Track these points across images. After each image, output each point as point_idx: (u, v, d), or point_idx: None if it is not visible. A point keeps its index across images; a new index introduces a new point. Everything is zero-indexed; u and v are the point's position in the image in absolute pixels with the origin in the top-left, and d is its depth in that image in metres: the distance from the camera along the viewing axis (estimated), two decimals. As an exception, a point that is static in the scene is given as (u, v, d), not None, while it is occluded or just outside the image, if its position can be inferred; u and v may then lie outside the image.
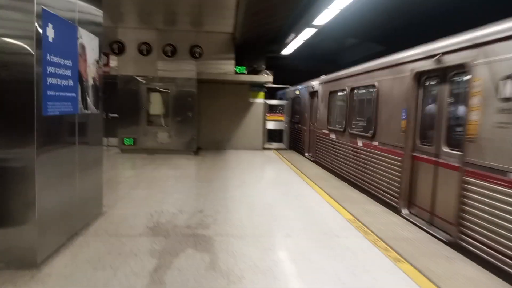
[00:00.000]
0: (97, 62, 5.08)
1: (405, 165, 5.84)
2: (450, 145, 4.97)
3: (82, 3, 4.38)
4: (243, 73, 12.10)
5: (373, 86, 7.15)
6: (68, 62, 4.02)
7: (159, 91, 11.60)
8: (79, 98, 4.36)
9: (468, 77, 4.45)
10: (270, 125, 13.77)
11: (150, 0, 8.94)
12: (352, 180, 7.96)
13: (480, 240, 4.07)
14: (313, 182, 7.79)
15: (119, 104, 11.50)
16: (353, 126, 8.34)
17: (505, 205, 3.76)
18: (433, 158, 5.26)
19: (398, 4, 11.72)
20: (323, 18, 8.37)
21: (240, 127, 13.40)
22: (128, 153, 11.47)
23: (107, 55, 11.38)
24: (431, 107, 5.52)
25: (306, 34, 9.69)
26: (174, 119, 11.62)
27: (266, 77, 12.09)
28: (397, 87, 6.27)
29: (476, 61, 4.29)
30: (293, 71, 17.75)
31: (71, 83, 4.11)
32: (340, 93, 9.35)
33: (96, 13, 5.04)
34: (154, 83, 11.53)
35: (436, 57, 5.06)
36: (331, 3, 7.51)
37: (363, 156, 7.49)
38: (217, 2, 8.56)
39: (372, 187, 7.03)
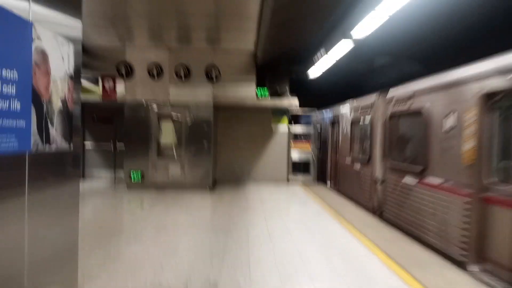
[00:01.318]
0: (71, 77, 3.64)
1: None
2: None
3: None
4: (265, 98, 10.65)
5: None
6: (11, 74, 2.59)
7: (171, 119, 10.24)
8: (34, 128, 2.91)
9: None
10: (295, 155, 12.20)
11: (161, 12, 7.71)
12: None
13: None
14: (357, 230, 6.10)
15: (126, 133, 10.18)
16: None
17: None
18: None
19: (444, 14, 10.22)
20: (364, 28, 6.90)
21: (262, 157, 11.89)
22: (135, 189, 10.03)
23: (113, 78, 10.18)
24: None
25: (339, 49, 8.22)
26: (187, 149, 10.19)
27: (291, 101, 10.61)
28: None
29: None
30: (315, 96, 16.27)
31: (16, 106, 2.66)
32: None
33: (69, 8, 3.61)
34: (166, 109, 10.20)
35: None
36: (374, 8, 6.04)
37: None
38: (236, 10, 7.24)
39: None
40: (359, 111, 8.90)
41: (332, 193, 10.20)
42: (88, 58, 10.29)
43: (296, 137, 12.13)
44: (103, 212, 7.45)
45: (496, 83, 4.30)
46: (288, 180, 11.94)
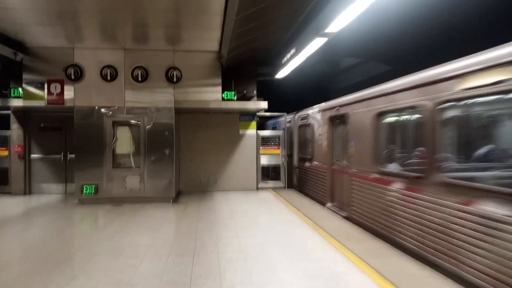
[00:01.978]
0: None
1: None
2: None
3: None
4: (232, 100, 9.93)
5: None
6: None
7: (128, 125, 9.29)
8: None
9: None
10: (264, 160, 11.54)
11: (114, 8, 6.82)
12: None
13: None
14: (353, 253, 5.50)
15: (76, 142, 9.12)
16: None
17: None
18: None
19: (412, 15, 9.96)
20: (338, 23, 6.34)
21: (229, 164, 11.14)
22: (88, 204, 8.98)
23: (61, 82, 9.10)
24: None
25: (312, 47, 7.64)
26: (147, 158, 9.27)
27: (261, 104, 9.94)
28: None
29: None
30: (282, 99, 15.73)
31: None
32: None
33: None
34: (121, 115, 9.22)
35: None
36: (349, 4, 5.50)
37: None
38: (198, 4, 6.49)
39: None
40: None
41: (305, 200, 9.62)
42: (33, 61, 9.16)
43: (264, 141, 11.46)
44: (47, 235, 6.42)
45: (333, 113, 8.37)
46: (257, 187, 11.26)
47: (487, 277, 3.69)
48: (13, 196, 10.15)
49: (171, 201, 9.30)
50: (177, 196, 10.01)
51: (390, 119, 6.49)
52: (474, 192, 4.01)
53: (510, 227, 3.45)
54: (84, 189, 8.96)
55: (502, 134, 4.63)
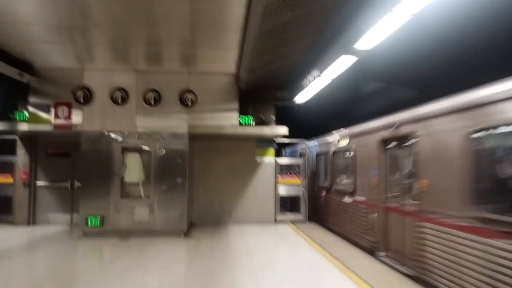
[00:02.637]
0: None
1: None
2: None
3: None
4: (249, 125, 9.26)
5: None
6: None
7: (138, 151, 8.66)
8: None
9: None
10: (283, 191, 10.71)
11: (126, 25, 6.33)
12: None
13: None
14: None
15: (83, 169, 8.51)
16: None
17: None
18: None
19: (442, 37, 9.27)
20: (370, 39, 5.68)
21: (245, 194, 10.34)
22: (93, 237, 8.25)
23: (68, 105, 8.59)
24: None
25: (338, 66, 6.97)
26: (157, 188, 8.56)
27: (280, 130, 9.22)
28: None
29: None
30: (299, 125, 15.05)
31: None
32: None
33: None
34: (132, 141, 8.61)
35: None
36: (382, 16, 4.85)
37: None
38: (216, 22, 5.93)
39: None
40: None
41: (327, 234, 8.71)
42: (40, 83, 8.71)
43: (283, 169, 10.69)
44: (41, 274, 5.69)
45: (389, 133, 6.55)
46: (275, 220, 10.39)
47: None
48: (16, 226, 9.50)
49: (183, 235, 8.50)
50: (189, 229, 9.21)
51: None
52: None
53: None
54: (89, 220, 8.26)
55: None
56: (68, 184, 9.93)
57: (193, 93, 8.85)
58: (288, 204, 11.01)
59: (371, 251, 7.14)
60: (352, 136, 8.72)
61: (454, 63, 9.99)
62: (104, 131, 8.51)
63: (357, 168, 8.24)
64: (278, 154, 12.82)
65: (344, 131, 9.42)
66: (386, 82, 12.66)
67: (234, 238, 8.36)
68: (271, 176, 10.42)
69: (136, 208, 8.44)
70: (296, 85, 9.86)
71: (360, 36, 5.66)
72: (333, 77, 7.63)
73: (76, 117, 8.61)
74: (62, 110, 8.60)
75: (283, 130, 9.17)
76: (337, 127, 10.30)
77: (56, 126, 8.57)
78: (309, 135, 12.86)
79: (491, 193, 4.33)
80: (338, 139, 9.64)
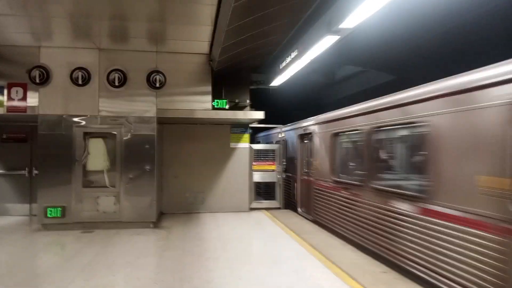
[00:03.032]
0: None
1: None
2: None
3: None
4: (224, 109, 8.75)
5: None
6: None
7: (102, 137, 8.00)
8: None
9: None
10: (258, 177, 10.34)
11: (88, 2, 5.64)
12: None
13: None
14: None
15: (40, 156, 7.76)
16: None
17: None
18: None
19: (420, 21, 8.99)
20: (356, 17, 5.26)
21: (219, 181, 9.88)
22: (53, 230, 7.60)
23: (23, 86, 7.79)
24: None
25: (320, 47, 6.54)
26: (124, 176, 7.96)
27: (257, 114, 8.75)
28: None
29: None
30: (275, 109, 14.62)
31: None
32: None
33: None
34: (94, 125, 7.93)
35: None
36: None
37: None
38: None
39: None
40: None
41: (306, 223, 8.43)
42: (-9, 61, 7.84)
43: (258, 156, 10.29)
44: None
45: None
46: (250, 208, 10.02)
47: None
48: (-33, 219, 8.68)
49: (152, 225, 7.99)
50: (159, 218, 8.69)
51: None
52: None
53: None
54: (48, 212, 7.58)
55: None
56: (25, 172, 9.14)
57: (161, 73, 8.22)
58: (264, 191, 10.65)
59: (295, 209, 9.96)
60: (284, 131, 11.77)
61: (438, 46, 9.80)
62: (63, 115, 7.77)
63: (287, 153, 11.22)
64: (252, 139, 12.40)
65: (280, 127, 12.24)
66: (362, 65, 12.39)
67: (207, 227, 7.92)
68: (246, 163, 9.99)
69: (100, 197, 7.82)
70: (272, 68, 9.40)
71: (347, 13, 5.24)
72: (312, 58, 7.19)
73: (32, 100, 7.82)
74: (16, 91, 7.78)
75: (259, 114, 8.71)
76: (310, 113, 9.97)
77: (9, 109, 7.75)
78: (283, 120, 12.50)
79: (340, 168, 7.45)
80: (279, 131, 12.26)
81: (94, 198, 7.80)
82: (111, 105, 7.99)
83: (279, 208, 10.33)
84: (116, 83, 7.98)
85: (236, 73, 9.59)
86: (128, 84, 8.09)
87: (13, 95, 7.77)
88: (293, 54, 7.65)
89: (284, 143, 11.46)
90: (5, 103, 7.76)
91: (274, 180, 10.44)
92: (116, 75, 7.99)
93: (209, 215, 9.39)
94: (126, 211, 7.91)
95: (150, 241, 6.88)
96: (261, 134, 15.72)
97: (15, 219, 8.69)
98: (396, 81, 11.65)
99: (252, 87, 10.12)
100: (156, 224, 8.13)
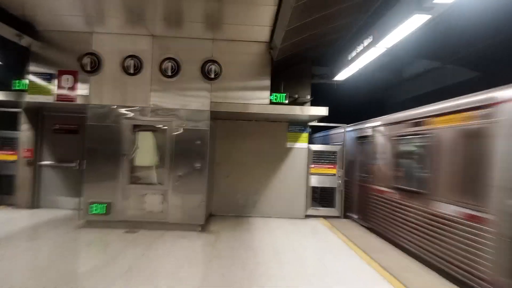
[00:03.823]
0: None
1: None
2: None
3: None
4: (283, 103, 7.87)
5: None
6: None
7: (152, 130, 7.44)
8: None
9: None
10: (315, 181, 9.34)
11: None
12: None
13: None
14: None
15: (88, 149, 7.35)
16: None
17: None
18: None
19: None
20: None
21: (273, 183, 9.03)
22: (96, 227, 7.15)
23: (74, 74, 7.42)
24: None
25: (405, 28, 5.45)
26: (173, 173, 7.35)
27: (320, 111, 7.77)
28: None
29: None
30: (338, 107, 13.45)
31: None
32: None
33: None
34: (145, 118, 7.39)
35: None
36: None
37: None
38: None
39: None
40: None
41: (371, 237, 7.33)
42: (42, 47, 7.56)
43: (317, 158, 9.31)
44: (22, 270, 4.59)
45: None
46: (306, 215, 9.06)
47: None
48: (17, 209, 8.53)
49: (200, 228, 7.30)
50: (207, 221, 8.02)
51: None
52: None
53: None
54: (93, 208, 7.15)
55: None
56: (76, 164, 8.86)
57: (217, 63, 7.53)
58: (321, 197, 9.65)
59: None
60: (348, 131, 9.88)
61: None
62: (113, 105, 7.31)
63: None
64: (310, 139, 11.42)
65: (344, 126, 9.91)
66: (440, 60, 10.92)
67: (259, 235, 7.08)
68: (303, 165, 9.05)
69: (147, 195, 7.27)
70: (336, 60, 8.37)
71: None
72: (390, 46, 6.11)
73: (83, 89, 7.44)
74: (67, 80, 7.45)
75: (323, 111, 7.72)
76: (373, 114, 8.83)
77: (59, 98, 7.43)
78: (348, 119, 11.35)
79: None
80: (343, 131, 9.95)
81: (140, 195, 7.26)
82: (163, 97, 7.41)
83: (338, 217, 9.26)
84: (169, 73, 7.39)
85: (297, 65, 8.67)
86: (182, 74, 7.47)
87: (63, 83, 7.44)
88: (367, 42, 6.60)
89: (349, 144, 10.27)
90: (55, 91, 7.44)
91: (334, 185, 9.38)
92: (170, 64, 7.40)
93: (261, 220, 8.56)
94: (173, 212, 7.28)
95: (196, 248, 6.16)
96: (318, 134, 14.65)
97: (63, 213, 8.40)
98: (480, 78, 10.12)
99: (314, 81, 9.15)
100: (204, 227, 7.44)
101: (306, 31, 6.38)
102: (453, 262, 4.95)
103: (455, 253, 4.94)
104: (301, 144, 9.07)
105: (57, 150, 9.02)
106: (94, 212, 7.13)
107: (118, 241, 6.31)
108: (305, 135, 9.07)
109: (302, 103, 8.59)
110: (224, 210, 8.92)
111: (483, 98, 4.64)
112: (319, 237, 7.29)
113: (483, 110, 4.59)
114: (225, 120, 8.87)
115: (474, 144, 4.76)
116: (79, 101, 7.40)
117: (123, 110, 7.32)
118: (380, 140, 7.89)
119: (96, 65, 7.35)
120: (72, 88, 7.40)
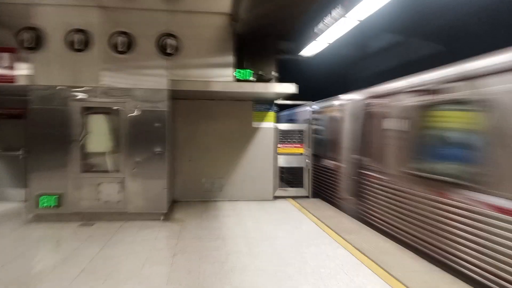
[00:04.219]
0: None
1: None
2: None
3: None
4: (248, 81, 7.38)
5: None
6: None
7: (104, 113, 6.76)
8: None
9: None
10: (283, 162, 9.03)
11: None
12: None
13: None
14: None
15: (32, 135, 6.57)
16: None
17: None
18: None
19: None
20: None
21: (239, 165, 8.63)
22: (47, 221, 6.49)
23: (11, 51, 6.55)
24: None
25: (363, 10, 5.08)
26: (130, 159, 6.75)
27: (288, 88, 7.36)
28: None
29: None
30: (310, 82, 13.04)
31: None
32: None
33: None
34: (95, 99, 6.68)
35: None
36: None
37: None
38: None
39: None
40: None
41: (344, 218, 7.13)
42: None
43: (283, 137, 8.97)
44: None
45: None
46: (274, 196, 8.77)
47: None
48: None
49: (162, 217, 6.81)
50: (171, 208, 7.53)
51: None
52: None
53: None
54: (41, 201, 6.45)
55: None
56: (21, 153, 8.02)
57: (175, 38, 6.89)
58: (289, 177, 9.38)
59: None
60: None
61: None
62: (58, 86, 6.53)
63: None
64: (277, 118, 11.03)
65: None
66: (404, 34, 10.77)
67: (227, 221, 6.70)
68: (270, 145, 8.69)
69: (102, 185, 6.65)
70: (303, 35, 7.94)
71: None
72: (362, 18, 5.74)
73: (22, 67, 6.60)
74: (3, 58, 6.57)
75: (291, 88, 7.32)
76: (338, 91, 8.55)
77: (-5, 79, 6.56)
78: (317, 97, 11.00)
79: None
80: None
81: (94, 185, 6.63)
82: (114, 75, 6.71)
83: (307, 197, 9.04)
84: (121, 49, 6.67)
85: (262, 40, 8.16)
86: (136, 50, 6.78)
87: (0, 62, 6.56)
88: (334, 12, 6.20)
89: (318, 122, 9.94)
90: (-9, 72, 6.57)
91: (302, 165, 9.11)
92: (122, 39, 6.68)
93: (228, 204, 8.18)
94: (133, 200, 6.73)
95: (159, 240, 5.68)
96: (284, 112, 14.30)
97: (6, 207, 7.62)
98: (445, 53, 10.06)
99: (281, 57, 8.68)
100: (168, 215, 6.96)
101: (267, 10, 5.87)
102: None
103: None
104: (268, 124, 8.68)
105: (1, 137, 8.13)
106: (44, 205, 6.43)
107: (72, 237, 5.71)
108: (271, 114, 8.67)
109: (267, 80, 8.13)
110: (188, 195, 8.44)
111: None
112: (291, 220, 6.99)
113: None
114: (186, 100, 8.29)
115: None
116: (21, 82, 6.55)
117: (69, 91, 6.57)
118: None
119: (38, 42, 6.50)
120: (10, 67, 6.53)
